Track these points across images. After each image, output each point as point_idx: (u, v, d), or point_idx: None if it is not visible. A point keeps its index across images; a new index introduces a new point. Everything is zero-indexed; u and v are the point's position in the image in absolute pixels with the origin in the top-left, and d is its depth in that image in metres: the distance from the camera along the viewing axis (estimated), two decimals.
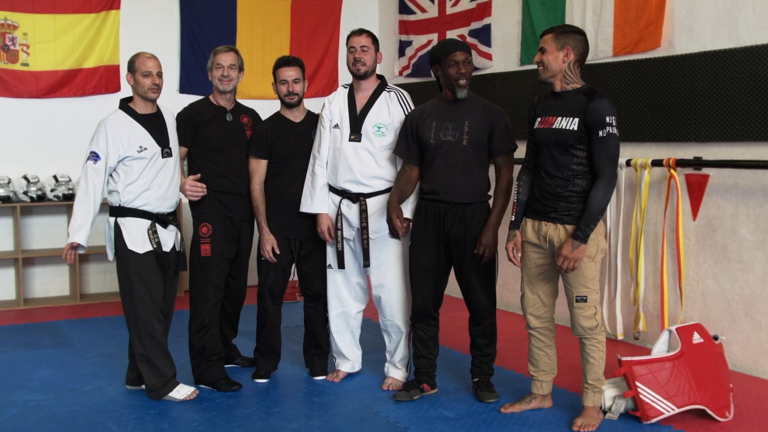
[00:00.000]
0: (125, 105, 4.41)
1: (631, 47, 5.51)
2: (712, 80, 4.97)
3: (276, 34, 7.90)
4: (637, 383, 3.99)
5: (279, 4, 7.90)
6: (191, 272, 4.70)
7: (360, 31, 4.57)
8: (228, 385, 4.60)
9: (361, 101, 4.56)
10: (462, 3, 7.13)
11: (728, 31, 4.91)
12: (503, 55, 6.72)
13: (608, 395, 4.13)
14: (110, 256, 4.35)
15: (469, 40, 7.01)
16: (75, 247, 4.24)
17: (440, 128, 4.28)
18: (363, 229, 4.50)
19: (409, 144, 4.37)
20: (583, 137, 3.83)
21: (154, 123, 4.39)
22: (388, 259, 4.55)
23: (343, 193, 4.55)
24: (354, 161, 4.48)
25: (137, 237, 4.28)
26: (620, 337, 5.48)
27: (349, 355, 4.77)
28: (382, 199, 4.52)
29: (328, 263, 4.69)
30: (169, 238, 4.39)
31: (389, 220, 4.40)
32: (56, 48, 7.05)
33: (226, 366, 4.80)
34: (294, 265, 4.81)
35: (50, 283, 7.11)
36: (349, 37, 4.58)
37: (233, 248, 4.69)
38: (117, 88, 7.25)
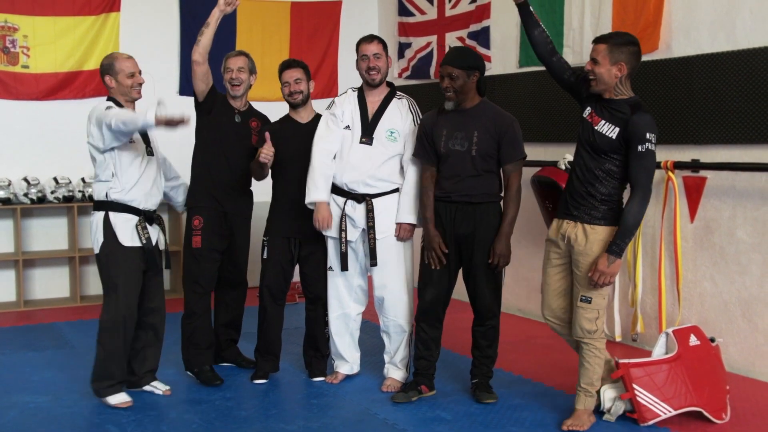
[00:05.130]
0: (113, 100, 4.38)
1: None
2: (710, 83, 4.99)
3: (275, 36, 7.93)
4: (634, 385, 4.00)
5: (278, 6, 7.93)
6: (184, 263, 4.87)
7: (371, 38, 4.61)
8: (210, 378, 4.69)
9: (372, 106, 4.60)
10: (461, 5, 7.16)
11: (725, 34, 4.93)
12: (502, 58, 6.74)
13: (608, 396, 4.14)
14: (96, 249, 4.36)
15: (468, 42, 7.03)
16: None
17: (450, 137, 4.33)
18: (370, 229, 4.53)
19: (425, 146, 4.43)
20: (619, 148, 3.87)
21: None
22: (392, 260, 4.58)
23: (348, 194, 4.58)
24: (363, 163, 4.51)
25: (126, 232, 4.31)
26: (618, 339, 5.50)
27: (348, 357, 4.79)
28: (386, 199, 4.57)
29: (329, 265, 4.72)
30: (152, 235, 4.42)
31: (432, 251, 4.35)
32: (56, 50, 7.08)
33: (226, 364, 4.94)
34: (297, 266, 4.85)
35: (50, 285, 7.12)
36: (360, 44, 4.61)
37: (224, 242, 4.81)
38: None
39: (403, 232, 4.56)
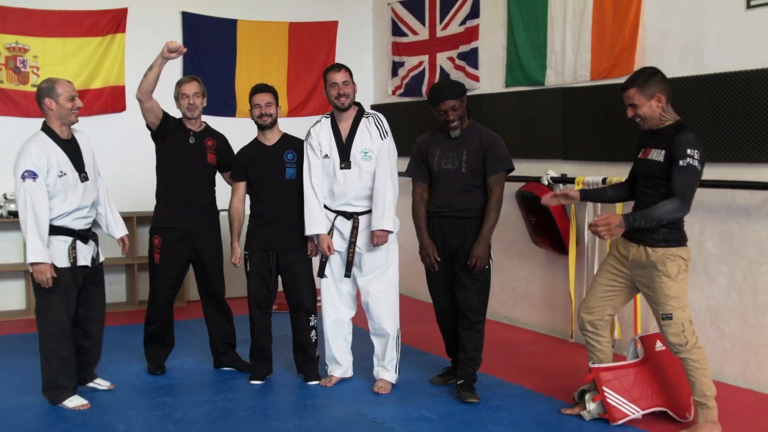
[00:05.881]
0: (47, 128, 4.61)
1: (606, 72, 5.86)
2: (680, 104, 5.25)
3: (274, 55, 8.26)
4: (604, 388, 4.32)
5: (277, 26, 8.26)
6: (149, 274, 5.36)
7: (339, 67, 4.97)
8: (153, 369, 5.33)
9: (344, 130, 4.95)
10: (451, 27, 7.49)
11: (694, 60, 5.26)
12: (489, 77, 7.06)
13: (588, 398, 4.45)
14: (31, 268, 4.57)
15: (458, 62, 7.36)
16: (48, 267, 4.45)
17: (442, 157, 4.77)
18: (351, 244, 4.89)
19: (420, 165, 4.87)
20: (666, 169, 4.06)
21: (71, 148, 4.66)
22: (376, 269, 4.94)
23: (338, 212, 4.94)
24: (347, 188, 4.89)
25: (60, 253, 4.57)
26: None
27: (342, 361, 5.11)
28: (370, 216, 4.93)
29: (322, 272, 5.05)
30: (87, 252, 4.70)
31: (427, 257, 4.82)
32: (65, 70, 7.37)
33: (226, 369, 5.39)
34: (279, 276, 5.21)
35: None
36: (328, 73, 4.95)
37: (183, 257, 5.26)
38: (122, 108, 7.61)
39: (377, 239, 4.88)
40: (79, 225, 4.65)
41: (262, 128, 5.13)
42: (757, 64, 4.88)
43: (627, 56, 5.68)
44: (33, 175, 4.44)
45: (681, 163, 3.98)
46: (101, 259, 4.85)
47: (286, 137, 5.19)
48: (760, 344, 5.00)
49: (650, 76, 4.14)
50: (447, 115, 4.69)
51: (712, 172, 5.14)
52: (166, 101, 5.43)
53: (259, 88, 5.12)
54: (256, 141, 5.20)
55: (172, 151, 5.22)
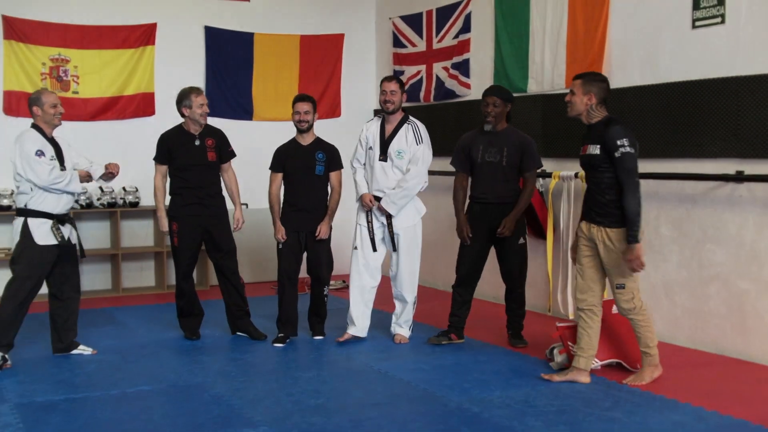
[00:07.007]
0: (36, 126, 5.46)
1: None
2: (639, 109, 6.20)
3: (287, 65, 9.11)
4: (569, 343, 5.21)
5: (290, 39, 9.11)
6: (172, 256, 6.23)
7: (390, 78, 6.00)
8: (190, 335, 6.22)
9: (388, 131, 5.97)
10: (446, 40, 8.37)
11: (651, 71, 6.16)
12: (479, 85, 7.86)
13: (556, 352, 5.34)
14: (13, 246, 5.45)
15: (452, 71, 8.24)
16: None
17: (485, 151, 5.81)
18: (388, 225, 5.90)
19: (461, 158, 5.94)
20: (605, 159, 4.78)
21: (53, 144, 5.52)
22: (403, 248, 5.96)
23: (374, 197, 5.95)
24: (381, 177, 5.92)
25: (43, 233, 5.40)
26: (571, 317, 6.68)
27: (358, 323, 6.05)
28: None
29: (354, 245, 6.02)
30: (65, 233, 5.55)
31: (461, 232, 5.88)
32: (101, 78, 8.26)
33: (241, 334, 6.28)
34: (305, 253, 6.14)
35: (94, 279, 8.32)
36: (382, 82, 5.98)
37: (198, 240, 6.18)
38: (152, 113, 8.46)
39: (380, 210, 5.88)
40: (58, 209, 5.45)
41: (300, 131, 6.05)
42: (700, 75, 5.80)
43: (596, 67, 6.52)
44: (43, 154, 5.38)
45: (616, 154, 4.72)
46: (74, 241, 5.64)
47: (319, 140, 6.13)
48: (704, 312, 5.90)
49: (594, 79, 4.93)
50: (487, 107, 5.75)
51: (664, 166, 6.05)
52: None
53: (300, 98, 6.07)
54: (293, 140, 6.14)
55: (180, 157, 6.11)
